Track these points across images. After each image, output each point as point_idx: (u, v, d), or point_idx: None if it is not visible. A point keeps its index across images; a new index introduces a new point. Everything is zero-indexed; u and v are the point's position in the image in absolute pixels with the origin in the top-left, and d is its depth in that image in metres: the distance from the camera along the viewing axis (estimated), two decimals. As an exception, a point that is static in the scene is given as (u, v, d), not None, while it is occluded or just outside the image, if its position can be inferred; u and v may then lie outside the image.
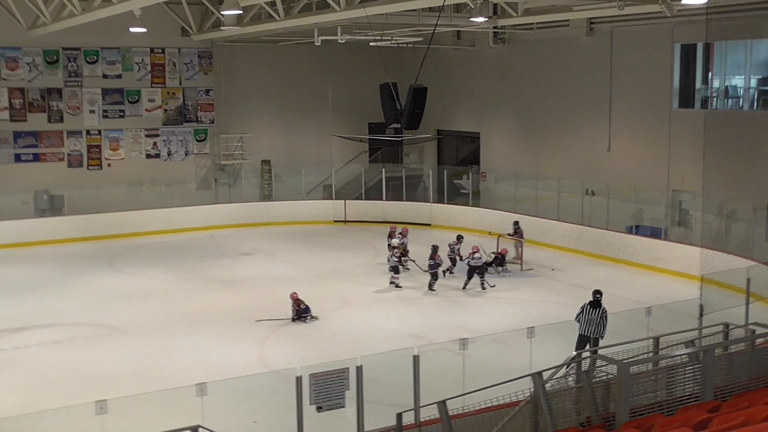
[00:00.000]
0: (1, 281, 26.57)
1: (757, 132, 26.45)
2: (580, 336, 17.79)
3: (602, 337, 17.65)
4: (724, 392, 10.07)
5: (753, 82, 28.96)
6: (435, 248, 25.32)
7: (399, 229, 28.65)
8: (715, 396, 9.86)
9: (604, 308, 18.09)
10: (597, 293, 18.34)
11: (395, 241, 26.25)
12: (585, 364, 12.49)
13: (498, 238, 28.35)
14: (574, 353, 12.84)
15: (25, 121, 34.60)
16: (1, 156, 34.24)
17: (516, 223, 28.97)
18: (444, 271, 25.92)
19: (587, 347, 17.30)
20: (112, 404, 12.06)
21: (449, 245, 26.75)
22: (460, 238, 27.19)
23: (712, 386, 10.19)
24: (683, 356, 11.91)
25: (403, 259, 26.36)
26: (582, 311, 18.08)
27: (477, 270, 24.84)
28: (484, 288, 24.82)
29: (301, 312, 21.72)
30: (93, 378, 17.44)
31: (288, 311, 21.77)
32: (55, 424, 12.86)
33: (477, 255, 24.93)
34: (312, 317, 21.83)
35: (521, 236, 28.46)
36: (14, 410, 14.10)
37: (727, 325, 14.87)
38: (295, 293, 22.01)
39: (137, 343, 20.30)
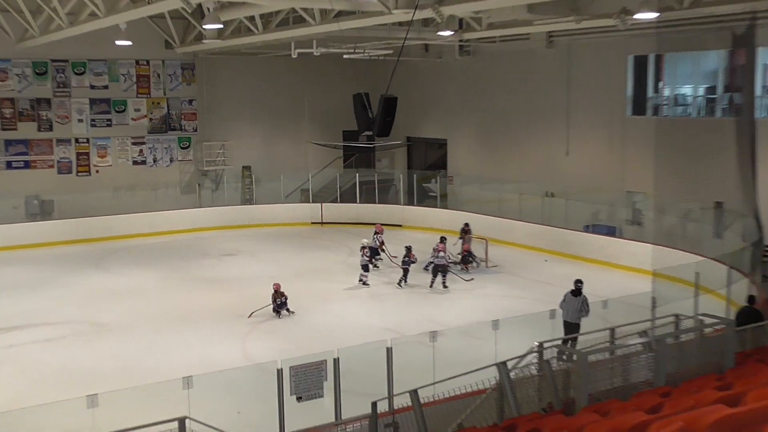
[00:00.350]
0: (-5, 282, 26.42)
1: (704, 137, 26.72)
2: (564, 322, 18.17)
3: (586, 316, 18.19)
4: (675, 378, 10.19)
5: (700, 91, 29.27)
6: (408, 248, 25.44)
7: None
8: (666, 382, 9.97)
9: (584, 296, 18.52)
10: (578, 282, 18.74)
11: (365, 241, 26.23)
12: (546, 354, 12.59)
13: (464, 238, 28.43)
14: (537, 343, 12.91)
15: (16, 129, 34.39)
16: (-7, 163, 34.15)
17: (466, 224, 29.10)
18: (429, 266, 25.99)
19: (573, 332, 17.83)
20: (103, 398, 12.04)
21: (433, 249, 26.68)
22: (443, 239, 27.23)
23: (664, 373, 10.30)
24: (637, 345, 12.03)
25: (375, 258, 26.46)
26: (564, 299, 18.52)
27: (440, 268, 24.95)
28: (446, 286, 24.79)
29: (277, 306, 21.73)
30: (84, 373, 17.37)
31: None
32: (48, 417, 12.79)
33: (441, 254, 25.03)
34: (288, 311, 21.85)
35: (470, 234, 28.57)
36: (9, 405, 14.00)
37: (677, 316, 15.04)
38: (277, 284, 21.93)
39: (126, 340, 20.21)
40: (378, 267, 26.87)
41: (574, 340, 16.75)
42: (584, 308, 18.37)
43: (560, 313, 18.41)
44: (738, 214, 23.97)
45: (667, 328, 14.46)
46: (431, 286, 24.91)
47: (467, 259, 27.31)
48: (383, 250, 27.51)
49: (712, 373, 9.91)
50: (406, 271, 25.14)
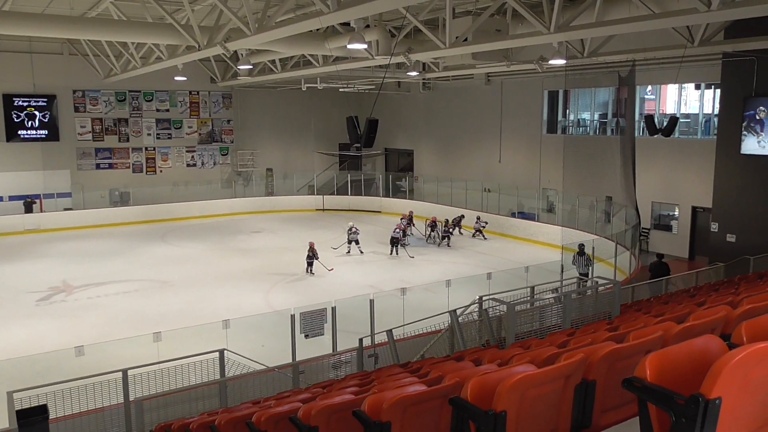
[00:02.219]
0: (88, 251, 26.19)
1: (598, 149, 26.79)
2: (579, 273, 18.82)
3: (592, 266, 19.01)
4: (578, 323, 10.20)
5: (596, 116, 29.34)
6: (447, 221, 27.05)
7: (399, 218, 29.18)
8: (571, 325, 9.98)
9: (587, 255, 19.05)
10: (581, 246, 19.41)
11: (351, 223, 25.96)
12: (484, 305, 12.59)
13: (429, 221, 28.39)
14: (478, 296, 12.89)
15: (103, 140, 34.21)
16: (86, 165, 33.90)
17: (462, 216, 29.06)
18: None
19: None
20: (165, 335, 11.99)
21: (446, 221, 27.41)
22: (462, 217, 28.34)
23: (570, 319, 10.30)
24: (550, 299, 12.04)
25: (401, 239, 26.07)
26: (574, 258, 19.17)
27: (394, 240, 25.09)
28: (397, 254, 24.83)
29: (309, 258, 21.81)
30: (151, 316, 17.29)
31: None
32: (125, 348, 12.71)
33: (397, 231, 25.33)
34: (311, 268, 21.90)
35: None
36: (97, 339, 13.93)
37: (579, 278, 15.07)
38: (312, 242, 22.22)
39: (181, 293, 20.14)
40: (407, 244, 26.18)
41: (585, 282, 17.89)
42: (589, 262, 18.88)
43: (511, 271, 18.97)
44: (622, 205, 24.09)
45: (571, 287, 14.50)
46: (390, 254, 24.99)
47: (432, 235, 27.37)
48: (410, 229, 27.62)
49: (604, 319, 9.92)
50: (445, 237, 26.56)
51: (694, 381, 2.33)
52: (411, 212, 28.70)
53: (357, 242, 25.01)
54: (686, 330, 3.99)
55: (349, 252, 24.95)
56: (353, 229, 25.12)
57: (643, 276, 19.51)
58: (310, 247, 22.03)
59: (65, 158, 33.08)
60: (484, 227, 28.14)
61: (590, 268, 18.93)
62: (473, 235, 28.18)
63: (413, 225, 28.09)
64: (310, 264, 21.92)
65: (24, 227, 29.88)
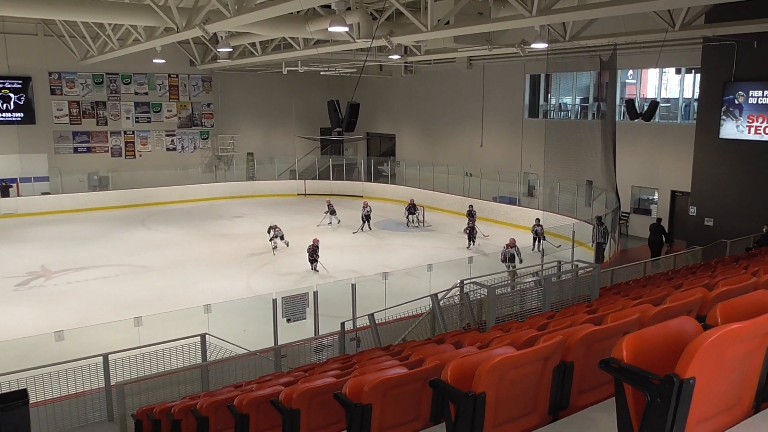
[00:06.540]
0: (66, 236, 25.98)
1: (579, 134, 26.91)
2: (597, 244, 20.28)
3: (607, 238, 20.70)
4: (557, 306, 10.30)
5: (577, 101, 29.45)
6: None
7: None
8: (551, 308, 10.08)
9: (605, 225, 20.62)
10: (599, 217, 20.92)
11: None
12: (465, 288, 12.67)
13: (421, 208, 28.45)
14: (459, 280, 12.96)
15: (80, 124, 33.87)
16: (63, 149, 33.54)
17: (471, 206, 28.01)
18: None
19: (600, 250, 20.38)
20: (145, 320, 11.97)
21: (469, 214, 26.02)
22: (472, 208, 26.27)
23: (550, 302, 10.40)
24: (531, 282, 12.14)
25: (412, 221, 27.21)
26: (594, 228, 20.63)
27: (365, 218, 26.44)
28: (370, 228, 26.35)
29: (313, 255, 20.21)
30: (132, 302, 17.23)
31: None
32: (106, 333, 12.67)
33: (367, 209, 26.40)
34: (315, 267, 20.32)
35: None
36: (77, 324, 13.86)
37: (560, 262, 15.19)
38: (316, 239, 20.67)
39: (162, 278, 20.08)
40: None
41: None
42: (606, 233, 20.57)
43: (492, 255, 19.21)
44: (602, 189, 24.26)
45: (552, 271, 14.61)
46: (362, 230, 26.21)
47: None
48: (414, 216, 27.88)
49: (583, 302, 10.02)
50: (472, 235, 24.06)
51: (669, 361, 2.37)
52: (412, 200, 28.65)
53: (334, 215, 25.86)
54: (663, 312, 4.05)
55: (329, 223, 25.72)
56: (274, 230, 23.33)
57: (623, 259, 19.73)
58: (314, 245, 20.39)
59: (42, 142, 32.68)
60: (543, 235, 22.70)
61: (607, 238, 19.54)
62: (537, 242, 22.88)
63: (416, 212, 28.03)
64: (313, 261, 20.26)
65: (0, 211, 29.56)
